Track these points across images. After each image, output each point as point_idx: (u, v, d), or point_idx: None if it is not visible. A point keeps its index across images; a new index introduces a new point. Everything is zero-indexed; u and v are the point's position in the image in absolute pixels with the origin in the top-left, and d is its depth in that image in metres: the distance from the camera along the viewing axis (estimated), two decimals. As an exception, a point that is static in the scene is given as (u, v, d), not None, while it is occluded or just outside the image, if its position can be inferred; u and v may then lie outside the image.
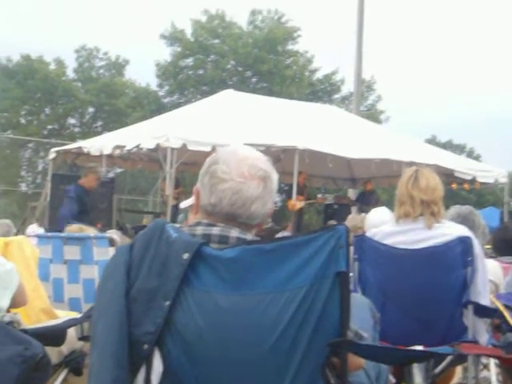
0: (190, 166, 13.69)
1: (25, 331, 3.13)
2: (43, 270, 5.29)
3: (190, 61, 37.24)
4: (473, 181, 14.98)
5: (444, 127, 67.01)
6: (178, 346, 1.93)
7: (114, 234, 6.45)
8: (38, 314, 4.05)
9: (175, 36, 36.69)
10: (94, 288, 5.13)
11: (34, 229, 11.27)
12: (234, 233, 2.07)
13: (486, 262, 3.86)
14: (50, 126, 37.07)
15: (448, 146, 40.00)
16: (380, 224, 4.23)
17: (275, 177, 2.17)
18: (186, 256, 1.94)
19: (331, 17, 64.34)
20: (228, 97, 15.65)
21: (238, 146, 2.21)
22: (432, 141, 37.98)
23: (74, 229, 5.98)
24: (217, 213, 2.10)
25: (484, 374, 4.65)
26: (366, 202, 14.62)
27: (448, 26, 66.60)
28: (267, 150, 10.40)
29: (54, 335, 3.65)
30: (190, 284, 1.94)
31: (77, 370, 4.00)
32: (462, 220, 4.46)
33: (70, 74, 37.65)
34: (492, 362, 4.36)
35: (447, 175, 13.61)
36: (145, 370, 1.94)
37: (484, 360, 4.57)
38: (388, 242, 3.86)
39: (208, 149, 10.69)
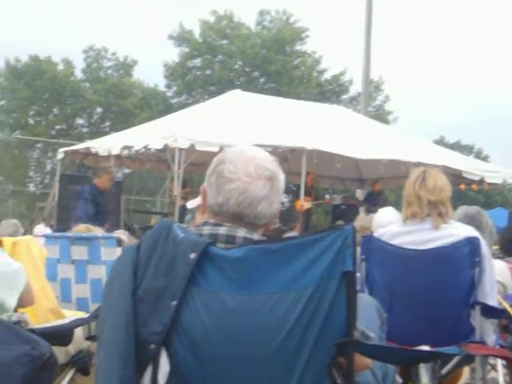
0: (197, 166, 13.68)
1: (32, 331, 3.14)
2: (51, 270, 5.30)
3: (197, 61, 37.28)
4: (481, 181, 14.93)
5: (452, 128, 66.80)
6: (185, 345, 1.93)
7: (121, 234, 6.46)
8: (45, 314, 4.05)
9: (183, 36, 36.73)
10: (101, 288, 5.13)
11: (41, 229, 11.30)
12: (241, 233, 2.07)
13: (493, 263, 3.86)
14: (58, 127, 37.15)
15: (456, 146, 39.93)
16: (387, 224, 4.23)
17: (282, 177, 2.17)
18: (192, 256, 1.94)
19: (339, 17, 64.26)
20: (236, 97, 15.63)
21: (244, 146, 2.21)
22: (440, 141, 37.91)
23: (81, 229, 5.99)
24: (223, 213, 2.10)
25: (492, 374, 4.64)
26: (374, 202, 14.58)
27: (456, 26, 66.73)
28: (275, 151, 10.38)
29: (61, 335, 3.65)
30: (196, 284, 1.94)
31: (84, 370, 4.00)
32: (470, 220, 4.45)
33: (79, 74, 37.77)
34: (499, 363, 4.35)
35: (455, 176, 13.57)
36: (151, 369, 1.94)
37: (491, 361, 4.56)
38: (395, 242, 3.85)
39: (216, 149, 10.66)
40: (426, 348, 3.40)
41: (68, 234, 6.02)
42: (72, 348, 3.87)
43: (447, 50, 76.95)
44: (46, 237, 5.99)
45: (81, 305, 5.43)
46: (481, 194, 32.43)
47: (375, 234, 4.03)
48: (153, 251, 2.00)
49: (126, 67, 38.99)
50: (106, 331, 1.99)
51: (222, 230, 2.08)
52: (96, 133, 33.28)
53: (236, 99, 15.32)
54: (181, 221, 11.85)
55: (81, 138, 29.91)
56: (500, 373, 4.31)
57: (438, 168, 4.15)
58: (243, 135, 11.69)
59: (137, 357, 1.93)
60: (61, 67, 36.68)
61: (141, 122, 20.22)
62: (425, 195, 3.80)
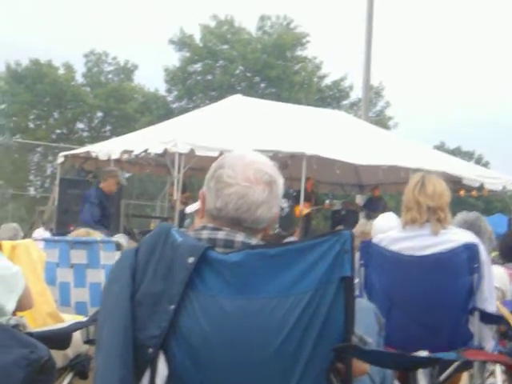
0: (197, 171, 13.67)
1: (30, 334, 3.13)
2: (50, 274, 5.31)
3: (198, 66, 37.34)
4: (481, 188, 14.93)
5: (453, 134, 66.86)
6: (183, 349, 1.93)
7: (120, 238, 6.46)
8: (44, 317, 4.05)
9: (184, 41, 36.79)
10: (100, 292, 5.11)
11: (41, 233, 11.30)
12: (240, 237, 2.08)
13: (492, 269, 3.86)
14: (58, 131, 37.20)
15: (457, 152, 39.92)
16: (387, 230, 4.22)
17: (281, 181, 2.18)
18: (191, 260, 1.94)
19: (340, 23, 64.39)
20: (236, 102, 15.65)
21: (243, 150, 2.22)
22: (440, 147, 37.93)
23: (80, 233, 6.00)
24: (222, 217, 2.10)
25: (490, 380, 4.63)
26: (374, 208, 14.59)
27: (457, 32, 66.67)
28: (275, 156, 10.41)
29: (59, 338, 3.65)
30: (195, 288, 1.94)
31: (82, 374, 3.99)
32: (469, 226, 4.45)
33: (79, 78, 37.85)
34: (498, 369, 4.34)
35: (455, 182, 13.57)
36: (149, 373, 1.94)
37: (490, 367, 4.55)
38: (394, 248, 3.85)
39: (216, 154, 10.65)
40: (424, 354, 3.40)
41: (67, 238, 6.03)
42: (70, 352, 3.87)
43: (448, 56, 77.00)
44: (46, 241, 6.00)
45: (80, 309, 5.43)
46: (480, 200, 32.42)
47: (374, 240, 4.02)
48: (151, 255, 2.00)
49: (127, 72, 39.04)
50: (105, 335, 1.99)
51: (221, 235, 2.08)
52: (96, 137, 33.37)
53: (236, 104, 15.34)
54: (180, 225, 11.86)
55: (81, 142, 29.95)
56: (499, 379, 4.30)
57: (438, 174, 4.15)
58: (243, 140, 11.70)
59: (135, 360, 1.93)
60: (61, 71, 36.75)
61: (141, 127, 20.28)
62: (424, 201, 3.80)
